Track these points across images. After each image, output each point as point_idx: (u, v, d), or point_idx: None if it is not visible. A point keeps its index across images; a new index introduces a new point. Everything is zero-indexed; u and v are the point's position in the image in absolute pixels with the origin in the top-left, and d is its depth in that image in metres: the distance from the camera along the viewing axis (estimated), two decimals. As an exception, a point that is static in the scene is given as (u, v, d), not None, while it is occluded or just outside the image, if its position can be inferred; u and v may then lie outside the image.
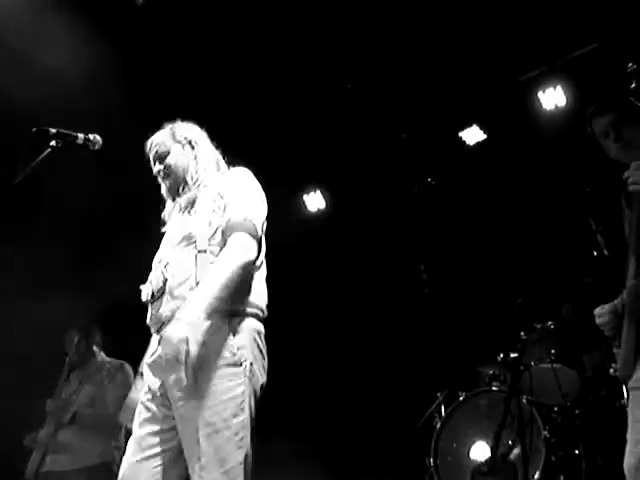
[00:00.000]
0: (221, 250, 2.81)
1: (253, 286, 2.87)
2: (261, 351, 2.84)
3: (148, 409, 2.79)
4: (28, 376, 5.20)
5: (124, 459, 2.78)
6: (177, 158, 3.11)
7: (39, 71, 4.87)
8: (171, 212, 3.13)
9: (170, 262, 2.84)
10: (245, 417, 2.65)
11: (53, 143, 2.93)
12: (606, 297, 3.14)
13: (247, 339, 2.76)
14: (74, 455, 4.96)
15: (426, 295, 6.72)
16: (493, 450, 4.89)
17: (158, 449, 2.72)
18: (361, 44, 6.00)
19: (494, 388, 5.44)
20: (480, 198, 6.76)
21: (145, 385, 2.86)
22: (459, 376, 5.92)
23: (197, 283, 2.71)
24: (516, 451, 4.94)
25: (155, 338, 2.89)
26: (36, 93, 4.78)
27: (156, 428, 2.76)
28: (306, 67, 6.13)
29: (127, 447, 2.81)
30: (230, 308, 2.74)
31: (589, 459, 4.93)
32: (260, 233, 2.92)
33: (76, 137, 2.97)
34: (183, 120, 3.26)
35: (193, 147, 3.15)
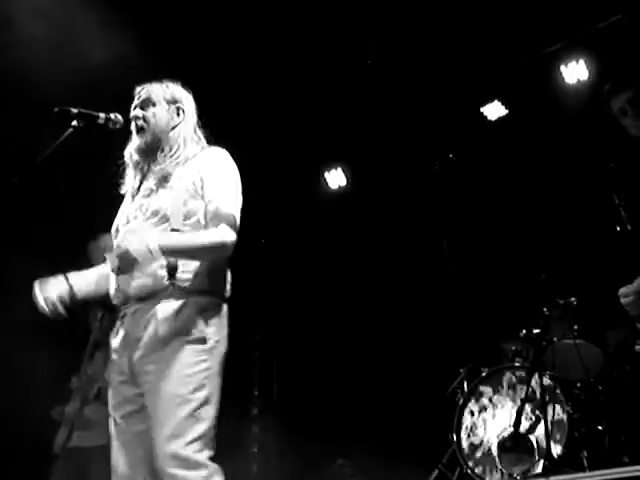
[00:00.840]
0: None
1: (219, 267, 2.89)
2: (224, 329, 2.86)
3: (120, 393, 2.83)
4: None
5: (112, 442, 2.83)
6: (160, 116, 3.03)
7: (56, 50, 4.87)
8: (138, 177, 3.06)
9: None
10: (207, 392, 2.69)
11: (75, 123, 2.91)
12: (629, 273, 3.13)
13: (213, 318, 2.79)
14: (100, 431, 5.01)
15: (449, 271, 6.72)
16: (516, 426, 4.90)
17: (136, 430, 2.76)
18: (382, 20, 5.96)
19: (517, 364, 5.44)
20: (502, 173, 6.72)
21: (114, 367, 2.87)
22: (482, 352, 5.92)
23: (168, 262, 2.71)
24: (539, 427, 4.95)
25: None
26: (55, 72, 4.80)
27: (129, 409, 2.80)
28: (327, 43, 6.09)
29: (110, 428, 2.85)
30: (198, 288, 2.77)
31: (612, 435, 4.92)
32: (237, 225, 2.87)
33: (97, 117, 2.96)
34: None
35: (179, 114, 3.07)
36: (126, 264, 2.67)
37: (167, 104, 3.06)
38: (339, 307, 7.26)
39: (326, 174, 7.65)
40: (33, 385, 5.28)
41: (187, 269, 2.75)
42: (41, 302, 2.84)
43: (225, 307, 2.90)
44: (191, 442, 2.59)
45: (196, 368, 2.68)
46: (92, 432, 5.02)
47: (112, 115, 2.99)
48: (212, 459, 2.67)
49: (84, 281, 3.00)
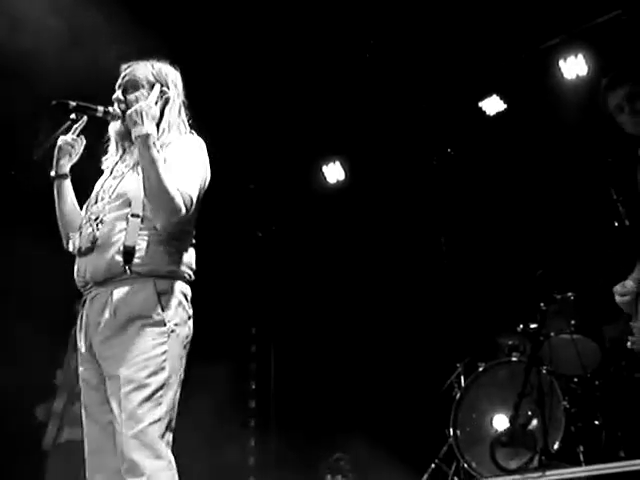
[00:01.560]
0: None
1: (180, 251, 2.82)
2: (187, 312, 2.81)
3: (86, 381, 2.82)
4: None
5: (84, 432, 2.81)
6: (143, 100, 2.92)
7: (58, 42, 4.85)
8: (119, 155, 3.01)
9: (103, 220, 2.78)
10: (166, 376, 2.65)
11: (73, 116, 2.89)
12: (626, 268, 3.13)
13: (172, 300, 2.74)
14: None
15: (446, 266, 6.73)
16: (512, 420, 4.91)
17: (104, 421, 2.73)
18: (381, 13, 5.95)
19: (514, 359, 5.46)
20: (500, 168, 6.72)
21: (79, 355, 2.85)
22: (479, 347, 5.93)
23: (124, 247, 2.68)
24: (535, 422, 4.96)
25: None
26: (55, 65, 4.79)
27: (95, 398, 2.78)
28: (326, 37, 6.08)
29: (82, 418, 2.83)
30: (155, 272, 2.73)
31: (608, 430, 4.93)
32: (192, 207, 2.75)
33: (96, 110, 2.92)
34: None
35: (161, 98, 2.95)
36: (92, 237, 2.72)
37: (150, 86, 2.95)
38: (336, 301, 7.26)
39: (324, 168, 7.64)
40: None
41: (144, 253, 2.71)
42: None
43: (187, 290, 2.84)
44: (150, 425, 2.57)
45: (154, 352, 2.64)
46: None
47: (111, 108, 2.95)
48: (173, 443, 2.65)
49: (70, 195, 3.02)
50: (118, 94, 2.96)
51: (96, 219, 2.80)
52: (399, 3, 5.86)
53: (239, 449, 7.29)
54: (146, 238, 2.73)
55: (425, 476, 5.59)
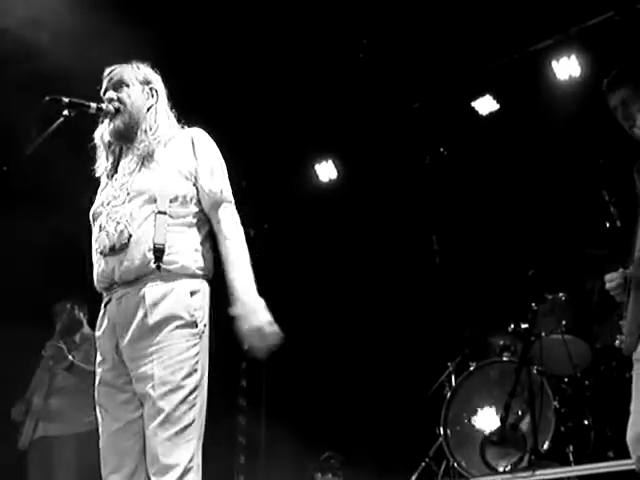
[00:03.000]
0: (183, 216, 2.81)
1: (204, 250, 2.86)
2: (209, 312, 2.85)
3: (107, 382, 2.77)
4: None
5: (101, 431, 2.77)
6: (136, 98, 2.96)
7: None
8: (111, 159, 3.00)
9: (130, 217, 2.75)
10: (199, 377, 2.67)
11: (66, 112, 2.87)
12: (617, 268, 3.14)
13: (202, 300, 2.77)
14: (64, 422, 5.12)
15: (438, 265, 6.74)
16: (503, 420, 4.93)
17: (126, 420, 2.71)
18: (374, 13, 5.95)
19: (505, 358, 5.47)
20: (492, 168, 6.73)
21: (100, 356, 2.81)
22: (470, 346, 5.94)
23: (154, 245, 2.67)
24: (526, 421, 4.98)
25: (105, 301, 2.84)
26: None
27: (118, 398, 2.74)
28: (319, 36, 6.08)
29: (98, 418, 2.80)
30: (186, 270, 2.74)
31: (598, 430, 4.96)
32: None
33: (89, 106, 2.92)
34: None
35: (153, 95, 3.01)
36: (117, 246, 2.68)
37: (141, 85, 3.00)
38: (328, 300, 7.26)
39: (317, 166, 7.64)
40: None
41: (173, 251, 2.71)
42: None
43: (209, 289, 2.86)
44: (186, 427, 2.58)
45: (188, 353, 2.65)
46: (57, 423, 5.10)
47: (103, 105, 2.95)
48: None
49: None
50: (110, 93, 2.96)
51: (122, 217, 2.76)
52: (393, 3, 5.86)
53: (229, 447, 7.30)
54: (174, 236, 2.74)
55: (415, 475, 5.59)
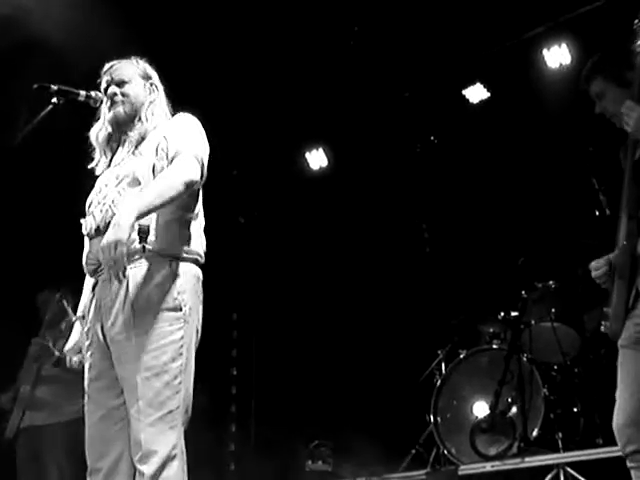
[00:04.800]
0: None
1: (192, 232, 2.81)
2: (199, 297, 2.80)
3: (94, 365, 2.76)
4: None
5: (86, 419, 2.76)
6: (137, 91, 2.97)
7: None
8: (109, 154, 3.00)
9: (115, 200, 2.74)
10: (183, 362, 2.64)
11: (54, 100, 2.87)
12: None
13: (187, 284, 2.72)
14: (50, 411, 5.12)
15: (428, 254, 6.75)
16: (492, 407, 4.95)
17: (111, 405, 2.70)
18: (365, 1, 5.94)
19: (494, 346, 5.49)
20: (483, 157, 6.73)
21: (88, 339, 2.80)
22: (460, 334, 5.96)
23: (139, 226, 2.60)
24: (515, 409, 5.00)
25: (89, 282, 2.85)
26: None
27: (103, 383, 2.73)
28: (309, 23, 6.06)
29: (85, 406, 2.78)
30: (171, 252, 2.71)
31: (587, 417, 4.99)
32: (204, 164, 2.80)
33: (78, 94, 2.91)
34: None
35: (154, 91, 3.03)
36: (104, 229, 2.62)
37: (142, 80, 3.01)
38: (318, 289, 7.26)
39: (307, 154, 7.63)
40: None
41: (159, 232, 2.69)
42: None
43: (199, 273, 2.83)
44: (169, 412, 2.56)
45: (172, 337, 2.62)
46: (43, 411, 5.11)
47: (93, 93, 2.94)
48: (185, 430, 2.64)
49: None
50: (113, 88, 2.96)
51: (108, 200, 2.76)
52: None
53: (221, 434, 7.31)
54: (160, 217, 2.70)
55: (405, 462, 5.62)
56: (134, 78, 2.99)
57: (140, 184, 2.73)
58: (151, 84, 3.02)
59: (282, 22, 5.98)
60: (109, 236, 2.45)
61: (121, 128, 2.95)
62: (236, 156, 7.33)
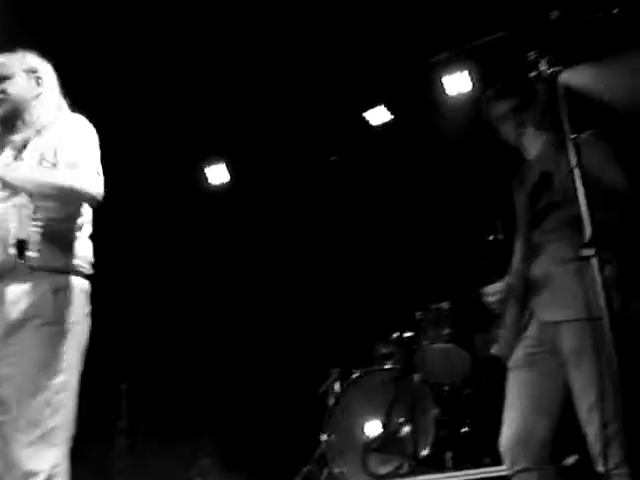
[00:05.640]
0: (50, 208, 2.69)
1: (77, 243, 2.74)
2: (84, 309, 2.73)
3: None
4: None
5: None
6: (20, 89, 2.87)
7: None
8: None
9: None
10: (65, 379, 2.57)
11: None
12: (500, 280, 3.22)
13: (70, 297, 2.65)
14: None
15: (324, 272, 6.78)
16: (384, 427, 4.97)
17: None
18: (264, 19, 5.91)
19: (387, 366, 5.52)
20: (383, 179, 6.79)
21: None
22: (353, 354, 5.98)
23: (17, 240, 2.57)
24: (407, 428, 5.03)
25: None
26: None
27: None
28: (208, 36, 5.99)
29: None
30: (54, 265, 2.64)
31: (476, 437, 5.06)
32: (98, 182, 2.74)
33: None
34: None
35: (39, 84, 2.93)
36: None
37: (26, 74, 2.91)
38: (213, 307, 7.17)
39: (207, 169, 7.51)
40: None
41: (37, 246, 2.61)
42: None
43: (85, 285, 2.75)
44: (48, 432, 2.47)
45: (51, 353, 2.54)
46: None
47: None
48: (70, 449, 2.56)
49: None
50: None
51: None
52: (283, 10, 5.83)
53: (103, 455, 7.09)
54: (40, 230, 2.62)
55: (296, 481, 5.58)
56: (17, 74, 2.88)
57: (17, 195, 2.65)
58: (36, 77, 2.92)
59: (178, 34, 5.89)
60: None
61: (3, 126, 2.86)
62: (135, 172, 7.13)
